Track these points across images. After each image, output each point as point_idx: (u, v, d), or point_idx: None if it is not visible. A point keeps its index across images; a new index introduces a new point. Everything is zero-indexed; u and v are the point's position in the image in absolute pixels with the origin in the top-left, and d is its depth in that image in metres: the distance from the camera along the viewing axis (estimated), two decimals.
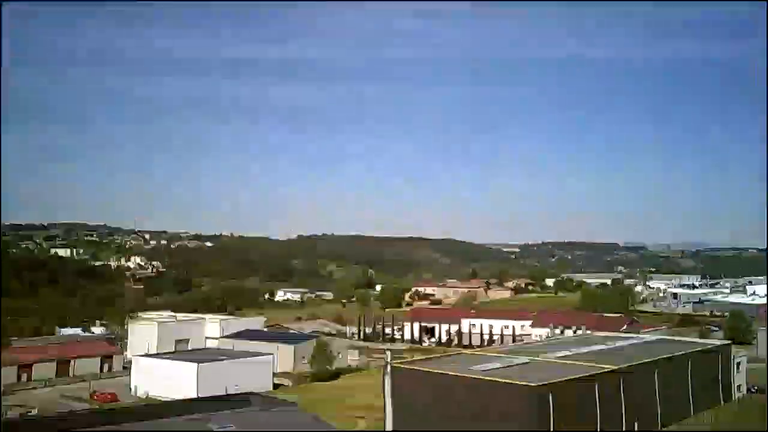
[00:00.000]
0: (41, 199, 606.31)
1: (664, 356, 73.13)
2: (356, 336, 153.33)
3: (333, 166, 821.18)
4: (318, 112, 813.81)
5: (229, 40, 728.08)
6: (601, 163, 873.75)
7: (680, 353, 75.83)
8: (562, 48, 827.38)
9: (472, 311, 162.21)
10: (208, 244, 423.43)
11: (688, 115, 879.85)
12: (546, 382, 57.52)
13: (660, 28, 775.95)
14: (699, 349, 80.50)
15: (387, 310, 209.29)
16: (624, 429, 64.06)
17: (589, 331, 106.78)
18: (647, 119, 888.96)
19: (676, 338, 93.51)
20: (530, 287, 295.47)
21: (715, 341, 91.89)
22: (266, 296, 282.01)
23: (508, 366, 65.40)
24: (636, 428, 65.13)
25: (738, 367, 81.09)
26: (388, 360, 42.71)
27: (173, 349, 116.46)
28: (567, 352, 74.13)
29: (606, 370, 64.39)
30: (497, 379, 58.80)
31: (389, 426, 40.09)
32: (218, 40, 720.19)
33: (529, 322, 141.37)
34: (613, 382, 63.50)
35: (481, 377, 59.71)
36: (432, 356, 75.69)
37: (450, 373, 61.34)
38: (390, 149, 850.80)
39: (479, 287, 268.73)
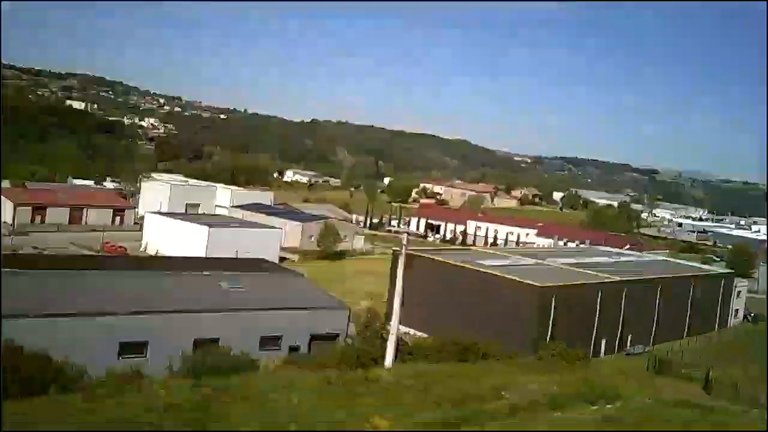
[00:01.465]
0: (61, 45, 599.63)
1: (668, 275, 74.22)
2: (362, 224, 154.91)
3: (356, 56, 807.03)
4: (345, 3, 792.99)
5: None
6: (621, 87, 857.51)
7: (685, 274, 76.93)
8: None
9: (480, 215, 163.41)
10: (222, 116, 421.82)
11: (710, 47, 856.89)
12: (551, 284, 58.77)
13: None
14: (702, 273, 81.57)
15: (393, 204, 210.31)
16: (619, 339, 65.82)
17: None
18: (667, 49, 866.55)
19: (680, 261, 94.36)
20: (537, 199, 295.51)
21: (718, 269, 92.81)
22: (275, 174, 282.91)
23: (515, 265, 66.57)
24: (630, 340, 66.89)
25: (738, 295, 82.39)
26: (404, 242, 43.18)
27: (184, 212, 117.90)
28: (572, 260, 75.23)
29: (609, 280, 65.54)
30: (505, 275, 60.00)
31: (397, 304, 41.07)
32: None
33: (534, 231, 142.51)
34: (615, 292, 64.76)
35: (489, 272, 60.88)
36: (441, 248, 76.85)
37: (460, 264, 62.54)
38: (417, 48, 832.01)
39: (486, 192, 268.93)
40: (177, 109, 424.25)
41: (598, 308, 62.12)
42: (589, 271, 68.43)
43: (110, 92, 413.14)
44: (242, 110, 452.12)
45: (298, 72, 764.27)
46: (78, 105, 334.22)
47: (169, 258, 65.30)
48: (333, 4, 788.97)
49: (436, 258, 64.86)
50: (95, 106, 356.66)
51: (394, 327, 45.41)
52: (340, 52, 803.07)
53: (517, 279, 58.96)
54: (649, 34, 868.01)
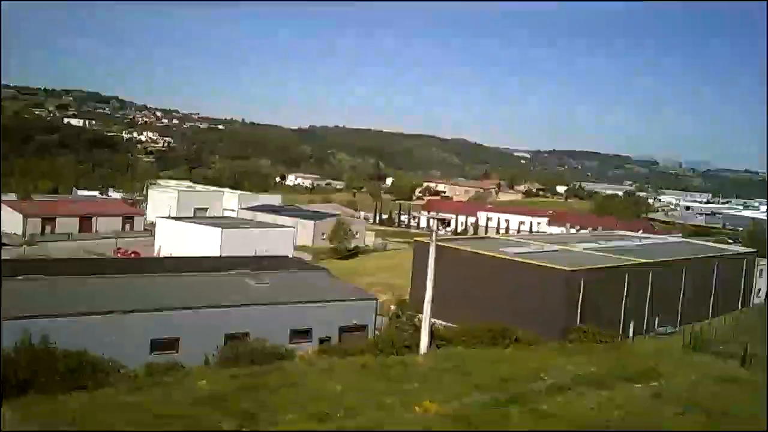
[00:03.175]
0: (54, 67, 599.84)
1: (693, 256, 73.25)
2: (370, 221, 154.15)
3: (349, 60, 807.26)
4: (337, 6, 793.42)
5: None
6: (616, 78, 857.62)
7: (709, 255, 75.95)
8: None
9: (489, 206, 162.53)
10: (220, 126, 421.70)
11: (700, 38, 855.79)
12: (579, 268, 57.79)
13: None
14: (725, 253, 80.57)
15: (397, 202, 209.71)
16: (646, 322, 64.85)
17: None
18: (663, 40, 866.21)
19: (700, 242, 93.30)
20: (541, 192, 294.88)
21: (738, 248, 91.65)
22: (277, 179, 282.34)
23: (538, 251, 65.56)
24: (657, 323, 65.93)
25: (760, 274, 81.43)
26: (434, 228, 42.32)
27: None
28: (594, 245, 74.25)
29: (637, 262, 64.53)
30: (530, 261, 59.01)
31: (429, 294, 40.12)
32: None
33: (545, 220, 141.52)
34: (642, 275, 63.73)
35: (514, 258, 59.88)
36: (460, 237, 75.81)
37: (483, 252, 61.54)
38: (408, 47, 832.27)
39: (491, 188, 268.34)
40: (174, 121, 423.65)
41: (625, 291, 61.13)
42: (613, 255, 67.43)
43: (106, 108, 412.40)
44: (239, 120, 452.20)
45: (292, 79, 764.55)
46: (76, 122, 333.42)
47: (191, 258, 64.12)
48: (323, 11, 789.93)
49: (458, 247, 63.73)
50: (92, 122, 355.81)
51: (427, 313, 44.52)
52: (333, 57, 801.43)
53: (544, 264, 57.92)
54: (646, 27, 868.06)
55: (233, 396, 29.63)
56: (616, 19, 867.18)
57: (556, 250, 67.65)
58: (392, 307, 60.66)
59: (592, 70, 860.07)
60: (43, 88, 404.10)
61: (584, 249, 70.41)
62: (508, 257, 60.09)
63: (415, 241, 66.01)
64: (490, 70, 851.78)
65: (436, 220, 44.36)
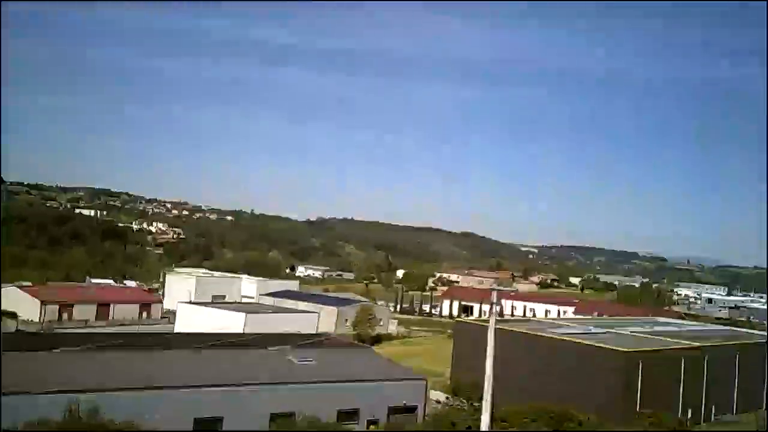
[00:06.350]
0: (64, 164, 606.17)
1: (744, 341, 69.77)
2: (391, 310, 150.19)
3: (356, 155, 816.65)
4: (344, 102, 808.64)
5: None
6: (622, 175, 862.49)
7: (759, 341, 72.38)
8: (592, 59, 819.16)
9: (512, 294, 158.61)
10: (229, 218, 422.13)
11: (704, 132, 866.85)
12: (637, 349, 54.55)
13: (667, 47, 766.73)
14: None
15: (411, 293, 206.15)
16: (703, 409, 60.90)
17: None
18: (671, 136, 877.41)
19: (743, 330, 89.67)
20: (555, 283, 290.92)
21: None
22: (287, 270, 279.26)
23: (588, 333, 62.30)
24: (713, 411, 61.97)
25: None
26: (494, 300, 39.38)
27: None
28: (640, 328, 70.88)
29: (691, 345, 61.13)
30: (586, 342, 55.76)
31: (489, 370, 37.15)
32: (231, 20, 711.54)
33: (572, 309, 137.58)
34: (698, 359, 60.18)
35: (566, 339, 56.67)
36: (503, 319, 72.49)
37: (533, 332, 58.39)
38: (412, 143, 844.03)
39: (505, 278, 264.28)
40: (184, 212, 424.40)
41: (682, 375, 57.48)
42: (666, 338, 64.02)
43: (116, 201, 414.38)
44: (249, 211, 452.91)
45: (303, 173, 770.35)
46: (87, 213, 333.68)
47: (228, 334, 60.84)
48: (329, 113, 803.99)
49: (506, 328, 60.47)
50: (104, 213, 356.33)
51: (488, 391, 41.23)
52: (340, 152, 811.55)
53: (600, 345, 54.64)
54: (649, 126, 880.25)
55: None
56: (619, 116, 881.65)
57: (606, 333, 64.28)
58: (433, 391, 57.23)
59: (595, 168, 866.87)
60: (55, 185, 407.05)
61: (632, 332, 67.03)
62: (559, 337, 56.86)
63: (457, 321, 62.76)
64: (497, 167, 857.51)
65: (495, 292, 40.92)
